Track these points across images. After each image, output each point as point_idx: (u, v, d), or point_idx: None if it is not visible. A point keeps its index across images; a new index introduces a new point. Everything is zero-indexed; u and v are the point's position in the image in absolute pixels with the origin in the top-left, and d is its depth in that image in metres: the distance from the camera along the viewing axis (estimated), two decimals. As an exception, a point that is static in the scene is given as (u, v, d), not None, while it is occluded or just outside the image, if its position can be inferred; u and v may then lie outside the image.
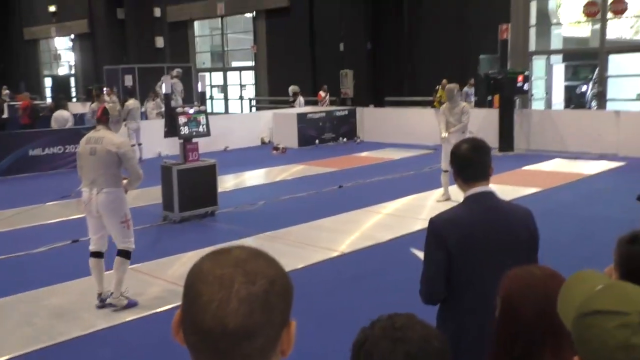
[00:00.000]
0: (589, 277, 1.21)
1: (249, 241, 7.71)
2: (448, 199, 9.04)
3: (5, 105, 20.14)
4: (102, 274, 5.62)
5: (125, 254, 5.55)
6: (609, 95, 17.92)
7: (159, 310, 5.55)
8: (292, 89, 21.68)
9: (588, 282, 1.18)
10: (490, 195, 2.67)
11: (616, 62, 18.24)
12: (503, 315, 1.59)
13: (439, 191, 9.41)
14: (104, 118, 5.59)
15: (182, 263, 6.84)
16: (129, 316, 5.45)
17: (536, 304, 1.53)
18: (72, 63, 35.04)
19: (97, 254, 5.60)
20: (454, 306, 2.63)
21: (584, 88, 19.58)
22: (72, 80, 34.42)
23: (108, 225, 5.52)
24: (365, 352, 1.31)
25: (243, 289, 0.99)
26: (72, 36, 34.18)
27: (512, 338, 1.63)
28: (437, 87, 17.25)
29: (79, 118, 17.03)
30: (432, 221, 2.66)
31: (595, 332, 1.08)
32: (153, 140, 14.17)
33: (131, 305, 5.62)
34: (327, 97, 20.09)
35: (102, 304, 5.58)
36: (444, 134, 9.15)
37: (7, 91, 28.67)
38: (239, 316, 0.98)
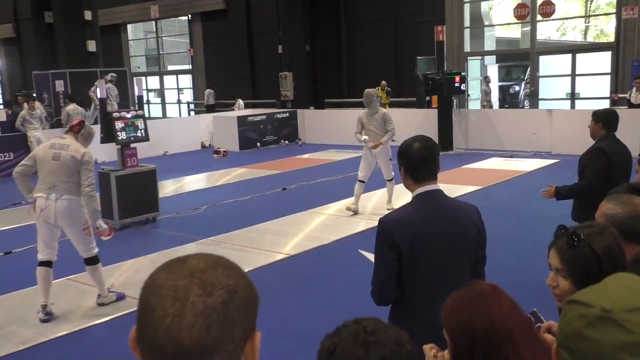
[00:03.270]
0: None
1: (193, 247, 7.55)
2: (356, 211, 8.68)
3: None
4: (50, 284, 5.40)
5: (92, 260, 5.54)
6: (540, 95, 18.56)
7: (98, 321, 5.34)
8: (207, 92, 22.01)
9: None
10: (439, 193, 2.66)
11: (546, 63, 18.93)
12: (456, 347, 1.55)
13: (382, 191, 9.41)
14: (76, 128, 5.58)
15: (123, 271, 6.63)
16: (66, 329, 5.21)
17: (482, 322, 1.50)
18: (-1, 68, 33.65)
19: (47, 263, 5.39)
20: (407, 305, 2.62)
21: (517, 88, 20.22)
22: (-1, 86, 33.06)
23: (69, 233, 5.44)
24: (337, 359, 1.25)
25: (199, 302, 0.91)
26: (-2, 40, 32.84)
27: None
28: (377, 88, 17.43)
29: (8, 125, 16.29)
30: (382, 221, 2.63)
31: (562, 319, 1.14)
32: (88, 147, 13.70)
33: (120, 298, 5.67)
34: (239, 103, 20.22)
35: (47, 317, 5.33)
36: (365, 137, 8.58)
37: None
38: (195, 332, 0.90)
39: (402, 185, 2.74)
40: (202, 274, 0.94)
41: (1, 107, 27.24)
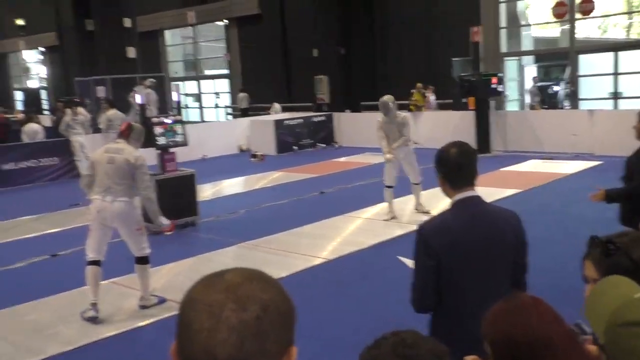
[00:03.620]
0: (621, 283, 1.19)
1: (231, 250, 7.64)
2: (394, 217, 8.70)
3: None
4: (99, 283, 5.57)
5: (143, 260, 5.75)
6: (581, 95, 18.19)
7: (140, 324, 5.45)
8: (241, 96, 22.42)
9: (621, 287, 1.16)
10: (478, 199, 2.64)
11: (587, 62, 18.54)
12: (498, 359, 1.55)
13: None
14: (126, 133, 5.77)
15: (162, 275, 6.74)
16: (109, 331, 5.34)
17: (524, 334, 1.51)
18: (43, 76, 34.59)
19: (97, 263, 5.56)
20: (446, 314, 2.61)
21: (556, 88, 19.86)
22: (44, 92, 33.97)
23: (124, 234, 5.67)
24: None
25: (233, 317, 0.93)
26: (42, 49, 33.75)
27: None
28: (412, 90, 17.36)
29: (53, 130, 16.74)
30: (420, 229, 2.62)
31: (636, 344, 1.05)
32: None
33: (160, 302, 5.79)
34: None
35: (97, 314, 5.47)
36: (388, 155, 8.54)
37: (-22, 106, 28.23)
38: (229, 346, 0.92)
39: (438, 188, 2.73)
40: (237, 289, 0.96)
41: (47, 113, 27.98)
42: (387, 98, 8.59)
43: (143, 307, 5.79)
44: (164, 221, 6.00)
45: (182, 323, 0.97)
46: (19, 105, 33.03)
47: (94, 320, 5.44)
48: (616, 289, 1.15)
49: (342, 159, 15.30)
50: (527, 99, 19.23)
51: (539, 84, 19.23)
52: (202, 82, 28.40)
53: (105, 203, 5.48)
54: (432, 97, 18.00)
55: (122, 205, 5.51)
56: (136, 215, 5.69)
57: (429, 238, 2.56)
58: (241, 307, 0.94)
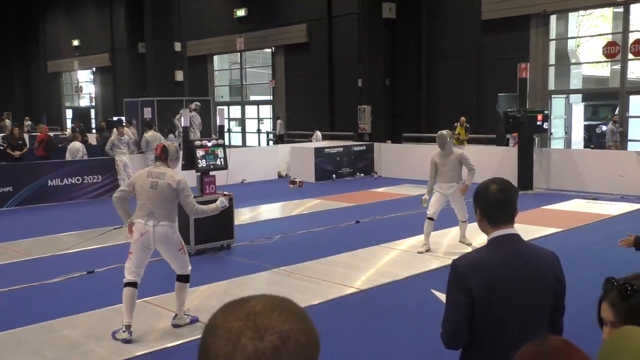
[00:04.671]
0: (638, 336, 1.12)
1: (265, 276, 7.62)
2: (429, 249, 8.61)
3: (27, 136, 20.43)
4: (134, 305, 5.62)
5: (184, 279, 5.85)
6: (630, 136, 17.75)
7: (170, 345, 5.45)
8: (278, 122, 22.75)
9: (637, 340, 1.09)
10: (516, 237, 2.57)
11: (637, 102, 18.11)
12: None
13: (456, 229, 9.22)
14: (162, 156, 5.84)
15: (196, 297, 6.75)
16: (141, 350, 5.35)
17: None
18: (93, 95, 35.65)
19: (134, 284, 5.62)
20: (477, 352, 2.52)
21: (604, 128, 19.43)
22: (93, 111, 34.97)
23: (167, 255, 5.79)
24: None
25: (250, 345, 0.91)
26: (94, 69, 34.85)
27: None
28: (456, 124, 17.24)
29: (100, 148, 17.18)
30: (455, 264, 2.55)
31: None
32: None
33: (193, 321, 5.86)
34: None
35: (130, 337, 5.49)
36: (425, 197, 8.61)
37: (29, 122, 29.21)
38: None
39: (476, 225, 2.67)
40: (257, 317, 0.94)
41: (94, 132, 28.78)
42: (445, 132, 8.69)
43: (176, 325, 5.82)
44: (222, 204, 6.08)
45: (202, 347, 0.96)
46: (69, 124, 34.07)
47: (127, 342, 5.45)
48: (633, 342, 1.09)
49: (381, 190, 15.23)
50: (574, 137, 18.80)
51: (586, 122, 18.76)
52: (247, 107, 28.82)
53: (147, 227, 5.56)
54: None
55: (164, 229, 5.60)
56: (177, 237, 5.78)
57: (463, 274, 2.49)
58: (259, 335, 0.92)
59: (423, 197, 8.76)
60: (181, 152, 7.17)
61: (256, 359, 0.90)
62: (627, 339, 1.12)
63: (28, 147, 17.33)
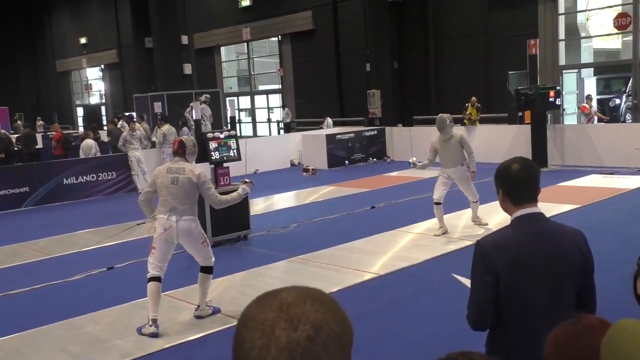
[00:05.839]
0: (638, 330, 1.10)
1: (282, 265, 7.64)
2: (446, 232, 8.56)
3: (40, 136, 20.58)
4: (159, 299, 5.66)
5: (208, 270, 5.91)
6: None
7: (193, 337, 5.49)
8: (285, 111, 22.69)
9: (638, 335, 1.06)
10: (540, 216, 2.54)
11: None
12: None
13: (469, 211, 9.17)
14: (180, 150, 5.88)
15: (214, 288, 6.77)
16: (164, 344, 5.38)
17: (589, 357, 1.42)
18: (103, 92, 35.76)
19: (158, 279, 5.65)
20: (504, 332, 2.51)
21: (617, 101, 19.22)
22: (103, 108, 35.10)
23: (190, 248, 5.87)
24: None
25: (284, 336, 0.91)
26: (102, 66, 34.93)
27: None
28: (467, 104, 17.10)
29: (110, 145, 17.27)
30: (479, 244, 2.53)
31: None
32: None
33: (215, 312, 5.92)
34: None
35: (157, 330, 5.51)
36: (413, 158, 8.99)
37: (41, 122, 29.38)
38: None
39: (493, 203, 2.65)
40: (290, 308, 0.95)
41: (105, 129, 28.93)
42: (445, 116, 8.63)
43: (199, 317, 5.86)
44: (244, 191, 6.16)
45: (236, 340, 0.96)
46: (80, 121, 34.23)
47: (154, 336, 5.48)
48: (634, 338, 1.06)
49: (394, 174, 15.18)
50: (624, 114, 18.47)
51: (599, 96, 18.57)
52: (256, 97, 28.79)
53: (170, 222, 5.60)
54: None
55: (187, 224, 5.66)
56: (200, 230, 5.83)
57: (488, 254, 2.47)
58: (292, 326, 0.92)
59: (412, 159, 8.90)
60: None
61: (290, 349, 0.91)
62: (626, 336, 1.09)
63: (41, 146, 17.46)
